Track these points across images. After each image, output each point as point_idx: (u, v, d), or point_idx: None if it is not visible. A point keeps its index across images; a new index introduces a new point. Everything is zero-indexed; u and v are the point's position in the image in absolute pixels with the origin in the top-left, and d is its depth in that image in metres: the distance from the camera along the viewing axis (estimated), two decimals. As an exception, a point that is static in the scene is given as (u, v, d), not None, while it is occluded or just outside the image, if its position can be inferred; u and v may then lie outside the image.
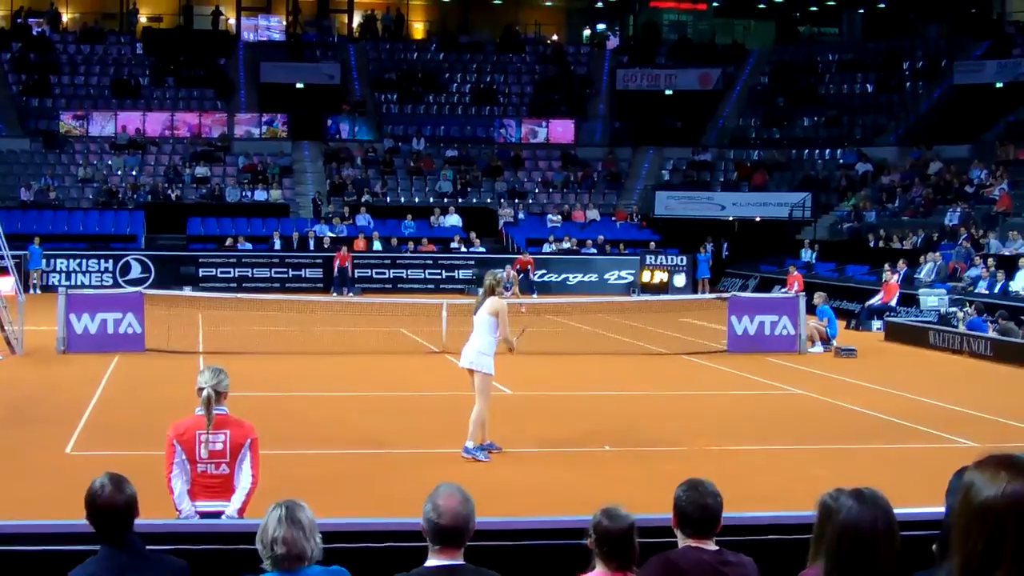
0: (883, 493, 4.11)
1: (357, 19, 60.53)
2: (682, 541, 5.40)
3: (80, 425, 15.58)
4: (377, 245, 42.39)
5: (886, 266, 33.42)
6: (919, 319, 29.44)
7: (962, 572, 2.70)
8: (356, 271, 39.93)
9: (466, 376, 14.26)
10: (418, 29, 62.62)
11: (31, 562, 5.86)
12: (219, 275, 39.88)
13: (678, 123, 52.71)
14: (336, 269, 39.16)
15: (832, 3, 64.01)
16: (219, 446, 7.85)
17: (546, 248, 43.14)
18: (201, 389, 7.87)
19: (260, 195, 46.32)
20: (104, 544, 5.45)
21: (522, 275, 37.81)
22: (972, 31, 53.92)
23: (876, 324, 30.30)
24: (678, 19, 66.04)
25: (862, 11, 63.68)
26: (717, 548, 5.36)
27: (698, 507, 5.35)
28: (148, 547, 5.55)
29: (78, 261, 39.28)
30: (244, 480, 7.87)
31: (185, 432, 7.90)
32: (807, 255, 40.89)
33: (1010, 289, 30.84)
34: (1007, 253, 34.10)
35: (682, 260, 41.95)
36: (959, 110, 47.95)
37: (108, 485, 5.47)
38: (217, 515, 7.77)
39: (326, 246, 41.46)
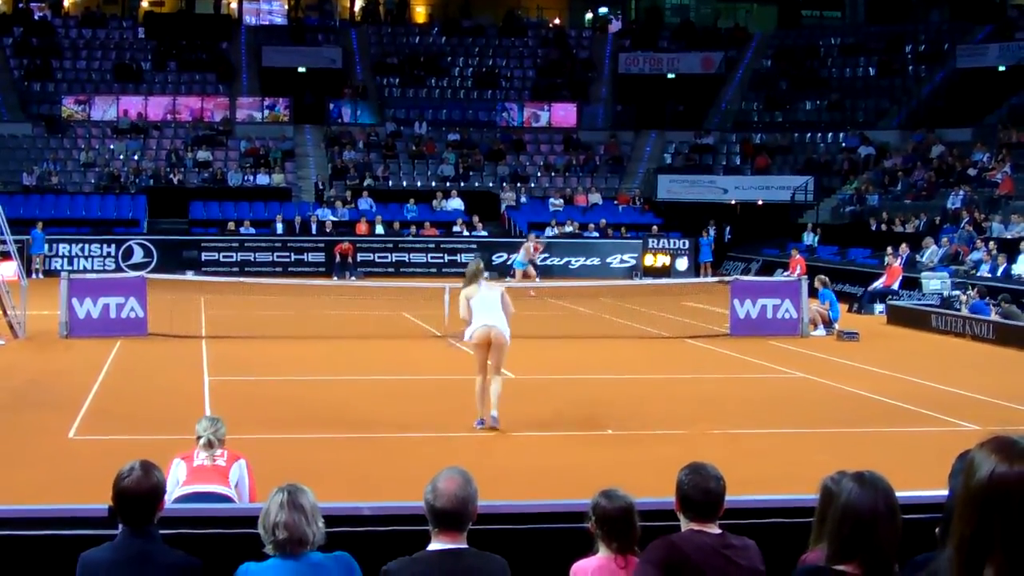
0: (884, 476, 4.12)
1: (359, 3, 60.53)
2: (685, 525, 5.41)
3: (83, 410, 15.58)
4: (379, 229, 42.38)
5: (888, 249, 33.39)
6: (921, 302, 29.44)
7: (956, 555, 2.71)
8: (358, 255, 39.97)
9: (470, 357, 14.30)
10: (420, 13, 62.61)
11: (34, 546, 5.87)
12: (221, 259, 39.87)
13: (680, 107, 52.66)
14: (337, 255, 39.20)
15: (835, -14, 63.93)
16: (218, 451, 8.40)
17: (548, 232, 43.08)
18: (200, 437, 8.40)
19: (262, 179, 46.30)
20: (124, 527, 5.48)
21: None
22: (974, 15, 53.87)
23: (878, 307, 30.29)
24: (680, 2, 66.06)
25: (865, -6, 63.58)
26: (720, 531, 5.37)
27: (701, 491, 5.35)
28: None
29: (80, 246, 39.28)
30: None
31: (186, 452, 8.51)
32: (809, 238, 40.88)
33: (1012, 272, 30.84)
34: (1009, 236, 34.08)
35: (684, 243, 41.95)
36: (961, 93, 47.92)
37: (137, 470, 5.52)
38: (211, 496, 7.89)
39: (328, 230, 41.48)
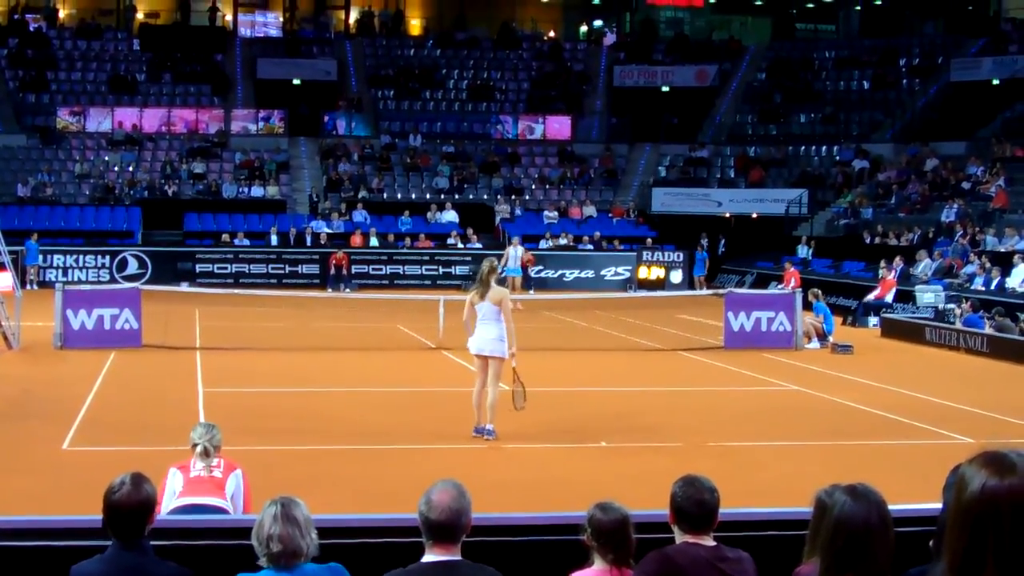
0: (877, 489, 4.12)
1: (354, 15, 60.52)
2: (679, 537, 5.41)
3: (77, 421, 15.55)
4: (374, 241, 42.37)
5: (882, 263, 33.42)
6: (915, 315, 29.47)
7: (949, 569, 2.72)
8: (353, 267, 39.96)
9: (464, 370, 14.34)
10: (415, 25, 62.64)
11: (28, 558, 5.86)
12: (216, 271, 39.85)
13: (675, 119, 52.71)
14: (332, 267, 39.17)
15: (829, -1, 64.10)
16: (215, 462, 8.28)
17: (543, 244, 43.12)
18: (195, 444, 8.28)
19: (257, 191, 46.29)
20: (115, 540, 5.46)
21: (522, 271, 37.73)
22: (968, 28, 54.01)
23: (872, 320, 30.32)
24: (675, 15, 66.12)
25: (859, 8, 63.70)
26: (715, 544, 5.37)
27: (695, 503, 5.36)
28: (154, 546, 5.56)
29: (75, 257, 39.27)
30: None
31: (182, 461, 8.39)
32: (803, 251, 40.88)
33: (1006, 285, 30.87)
34: (1003, 250, 34.12)
35: (679, 256, 41.97)
36: (955, 107, 48.00)
37: (127, 483, 5.51)
38: (207, 508, 7.86)
39: (323, 242, 41.47)
